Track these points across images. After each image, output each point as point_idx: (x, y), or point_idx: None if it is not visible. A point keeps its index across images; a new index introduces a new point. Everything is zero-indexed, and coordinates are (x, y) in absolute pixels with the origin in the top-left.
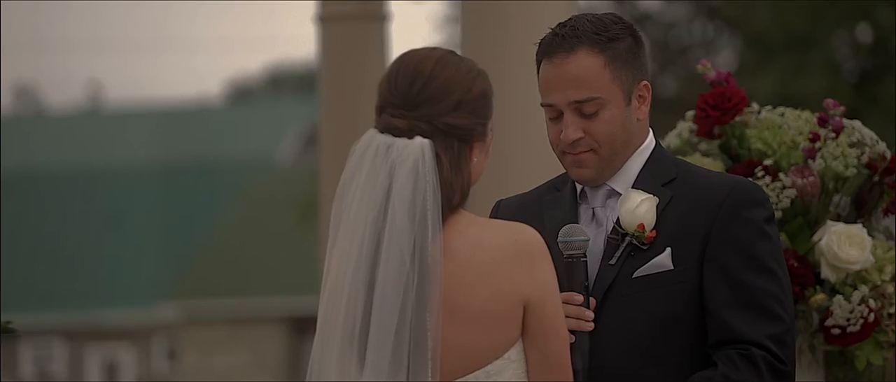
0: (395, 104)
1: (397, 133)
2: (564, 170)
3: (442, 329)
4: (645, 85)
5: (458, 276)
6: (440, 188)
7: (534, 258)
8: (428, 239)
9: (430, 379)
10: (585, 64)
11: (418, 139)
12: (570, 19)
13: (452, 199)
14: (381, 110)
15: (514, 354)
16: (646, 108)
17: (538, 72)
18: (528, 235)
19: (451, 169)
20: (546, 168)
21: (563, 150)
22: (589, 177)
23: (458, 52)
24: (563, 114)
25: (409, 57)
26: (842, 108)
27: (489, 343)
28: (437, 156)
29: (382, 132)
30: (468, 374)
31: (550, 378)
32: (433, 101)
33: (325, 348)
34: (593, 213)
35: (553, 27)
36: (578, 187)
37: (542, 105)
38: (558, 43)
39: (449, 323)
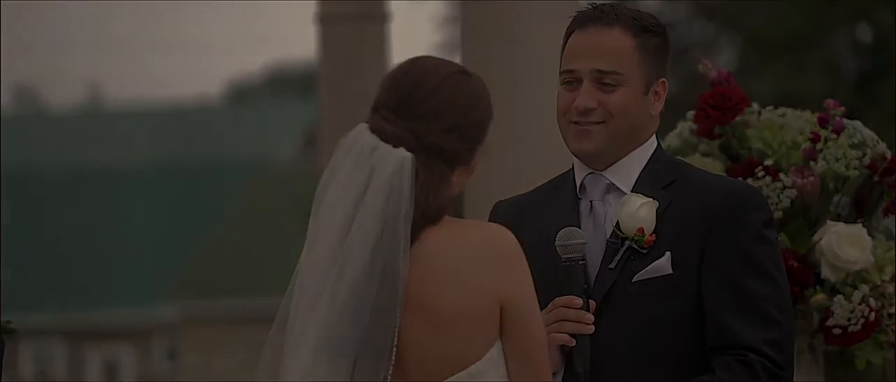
0: (389, 107)
1: (384, 137)
2: (559, 173)
3: (420, 334)
4: (663, 82)
5: (431, 279)
6: (415, 204)
7: (507, 259)
8: (396, 253)
9: None
10: (618, 41)
11: (401, 151)
12: (609, 3)
13: (427, 215)
14: (376, 108)
15: (495, 354)
16: (659, 106)
17: (564, 45)
18: (501, 236)
19: (428, 187)
20: (544, 169)
21: (571, 120)
22: (591, 150)
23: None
24: (581, 82)
25: (419, 64)
26: (842, 109)
27: (469, 344)
28: (416, 173)
29: (372, 131)
30: (451, 376)
31: (529, 380)
32: (428, 118)
33: (287, 346)
34: (591, 206)
35: (591, 5)
36: (578, 181)
37: (561, 72)
38: (597, 16)
39: (427, 327)
